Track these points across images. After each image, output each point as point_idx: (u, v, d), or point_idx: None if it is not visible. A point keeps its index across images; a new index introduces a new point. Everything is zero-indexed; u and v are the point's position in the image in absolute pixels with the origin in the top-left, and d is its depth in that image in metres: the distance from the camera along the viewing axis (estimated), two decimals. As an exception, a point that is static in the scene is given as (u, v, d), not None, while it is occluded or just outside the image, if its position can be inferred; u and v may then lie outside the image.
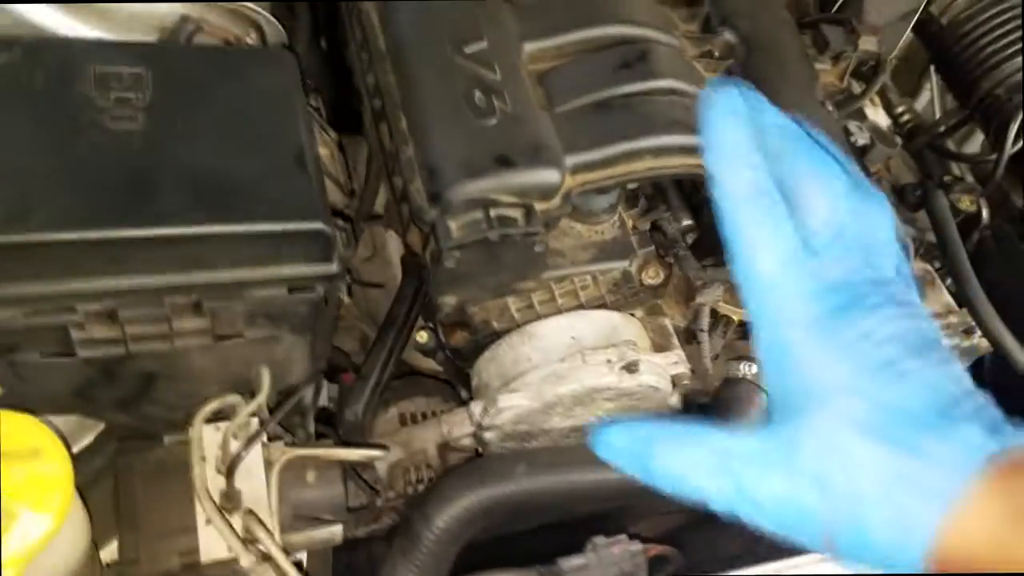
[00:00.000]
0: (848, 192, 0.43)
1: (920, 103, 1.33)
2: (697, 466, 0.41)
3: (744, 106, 0.43)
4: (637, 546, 0.86)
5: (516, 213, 0.74)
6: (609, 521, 1.05)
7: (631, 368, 0.84)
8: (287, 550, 0.78)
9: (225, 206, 0.63)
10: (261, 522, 0.67)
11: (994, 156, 1.09)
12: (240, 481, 0.73)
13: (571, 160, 0.78)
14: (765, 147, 0.44)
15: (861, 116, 1.08)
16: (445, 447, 0.91)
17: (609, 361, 0.84)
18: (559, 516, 0.95)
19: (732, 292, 0.96)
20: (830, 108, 0.94)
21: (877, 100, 1.17)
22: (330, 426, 0.93)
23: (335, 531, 0.79)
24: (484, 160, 0.74)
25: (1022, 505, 0.34)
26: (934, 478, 0.36)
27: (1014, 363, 0.97)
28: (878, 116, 1.14)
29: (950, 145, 1.21)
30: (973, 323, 0.98)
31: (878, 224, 0.43)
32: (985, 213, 1.15)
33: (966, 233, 1.14)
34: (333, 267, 0.67)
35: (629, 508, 1.06)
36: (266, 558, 0.65)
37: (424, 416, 0.99)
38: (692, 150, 0.81)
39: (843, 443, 0.38)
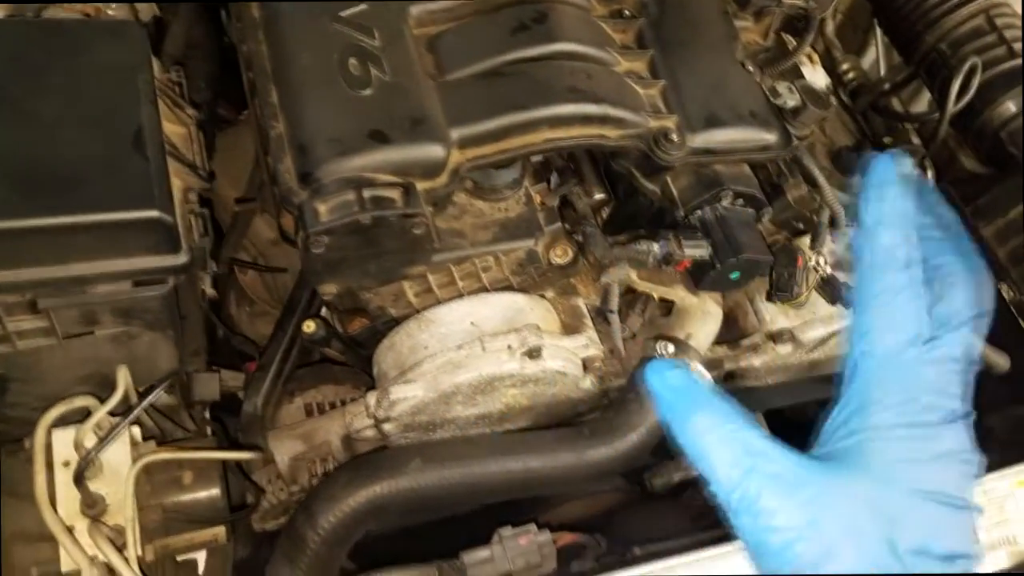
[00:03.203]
0: (978, 294, 0.46)
1: (868, 61, 1.27)
2: (725, 450, 0.43)
3: (914, 177, 0.47)
4: (545, 536, 0.82)
5: (394, 193, 0.68)
6: (535, 505, 1.01)
7: (533, 354, 0.79)
8: (174, 553, 0.74)
9: (51, 196, 0.57)
10: (110, 531, 0.63)
11: (937, 115, 1.03)
12: (107, 485, 0.68)
13: (457, 133, 0.72)
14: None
15: (796, 75, 1.01)
16: (349, 439, 0.86)
17: (509, 347, 0.79)
18: (472, 506, 0.92)
19: (651, 269, 0.91)
20: (751, 68, 0.87)
21: (816, 59, 1.11)
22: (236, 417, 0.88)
23: (217, 532, 0.75)
24: (357, 136, 0.68)
25: None
26: None
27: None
28: (816, 76, 1.07)
29: (896, 105, 1.16)
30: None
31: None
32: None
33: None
34: (181, 258, 0.62)
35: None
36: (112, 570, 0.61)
37: (332, 406, 0.94)
38: (593, 119, 0.76)
39: (863, 528, 0.41)
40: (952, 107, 0.99)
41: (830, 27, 1.22)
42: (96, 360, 0.68)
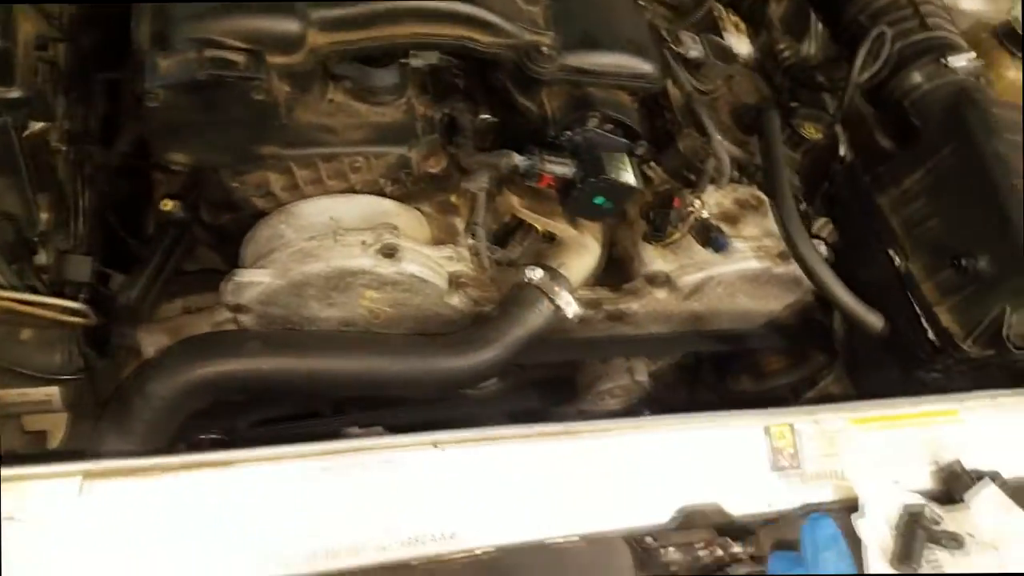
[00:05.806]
0: None
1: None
2: None
3: None
4: (388, 443, 0.82)
5: (239, 57, 0.69)
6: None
7: (388, 252, 0.79)
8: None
9: None
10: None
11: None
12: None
13: (319, 14, 0.73)
14: None
15: (712, 32, 1.03)
16: (213, 334, 0.87)
17: (364, 243, 0.79)
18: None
19: (535, 199, 0.91)
20: (644, 4, 0.88)
21: (743, 28, 1.12)
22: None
23: (51, 392, 0.75)
24: (214, 1, 0.70)
25: None
26: None
27: (820, 286, 0.91)
28: (739, 43, 1.09)
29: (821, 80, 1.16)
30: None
31: None
32: (843, 149, 1.10)
33: (822, 168, 1.09)
34: (13, 92, 0.63)
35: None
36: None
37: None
38: (461, 19, 0.77)
39: None
40: (858, 73, 0.99)
41: (774, 9, 1.24)
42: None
